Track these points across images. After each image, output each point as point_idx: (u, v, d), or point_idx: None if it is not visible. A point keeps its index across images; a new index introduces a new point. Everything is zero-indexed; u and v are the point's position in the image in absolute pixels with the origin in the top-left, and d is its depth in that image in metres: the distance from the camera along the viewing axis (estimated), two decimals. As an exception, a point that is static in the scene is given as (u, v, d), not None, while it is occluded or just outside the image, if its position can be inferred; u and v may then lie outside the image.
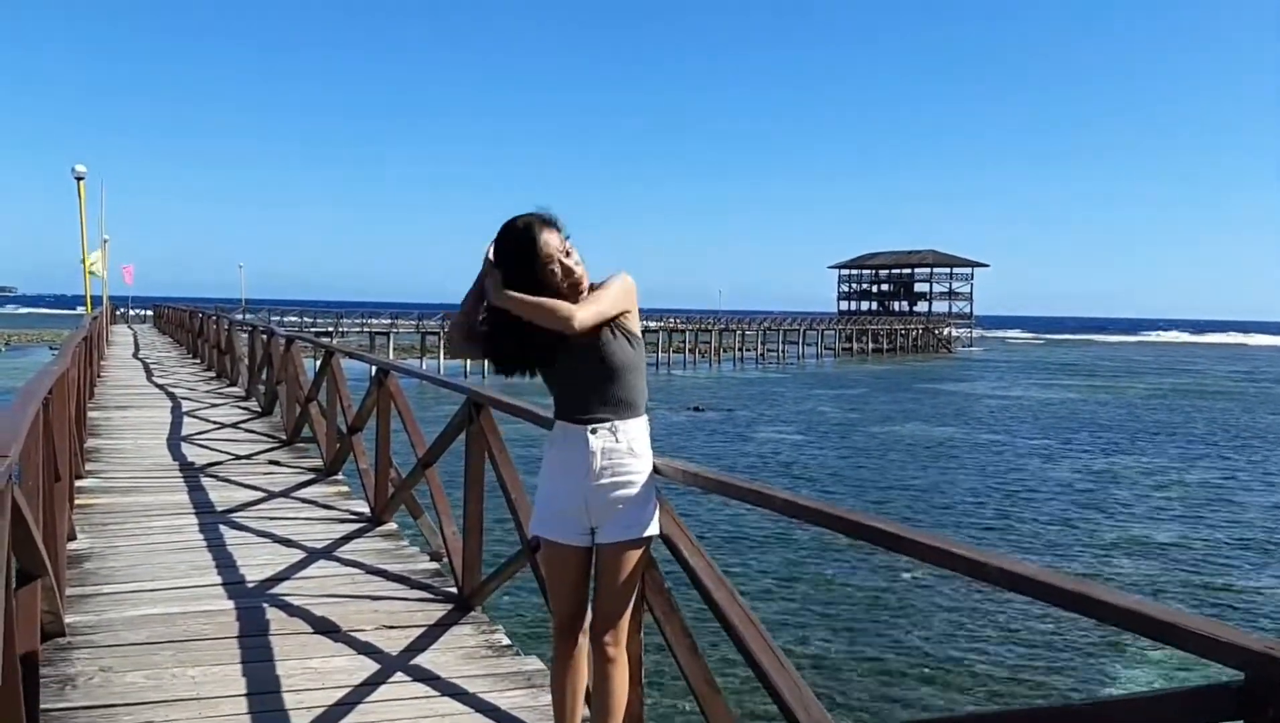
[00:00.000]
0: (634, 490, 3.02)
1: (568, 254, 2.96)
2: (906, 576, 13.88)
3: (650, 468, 3.09)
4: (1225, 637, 1.61)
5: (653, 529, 3.11)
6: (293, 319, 56.88)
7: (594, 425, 3.00)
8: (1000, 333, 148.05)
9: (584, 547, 3.10)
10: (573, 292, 2.98)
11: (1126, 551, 16.55)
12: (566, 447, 3.05)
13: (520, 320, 2.94)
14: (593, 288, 3.02)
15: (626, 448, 3.01)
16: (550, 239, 2.94)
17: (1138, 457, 27.48)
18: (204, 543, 6.52)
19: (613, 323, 3.00)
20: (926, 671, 10.69)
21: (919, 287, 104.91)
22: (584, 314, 2.88)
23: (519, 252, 2.93)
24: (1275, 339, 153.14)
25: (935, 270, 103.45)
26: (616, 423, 3.00)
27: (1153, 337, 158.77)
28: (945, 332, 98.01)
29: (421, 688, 4.19)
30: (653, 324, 66.08)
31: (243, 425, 12.21)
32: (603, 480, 3.00)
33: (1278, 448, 30.07)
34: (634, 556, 3.06)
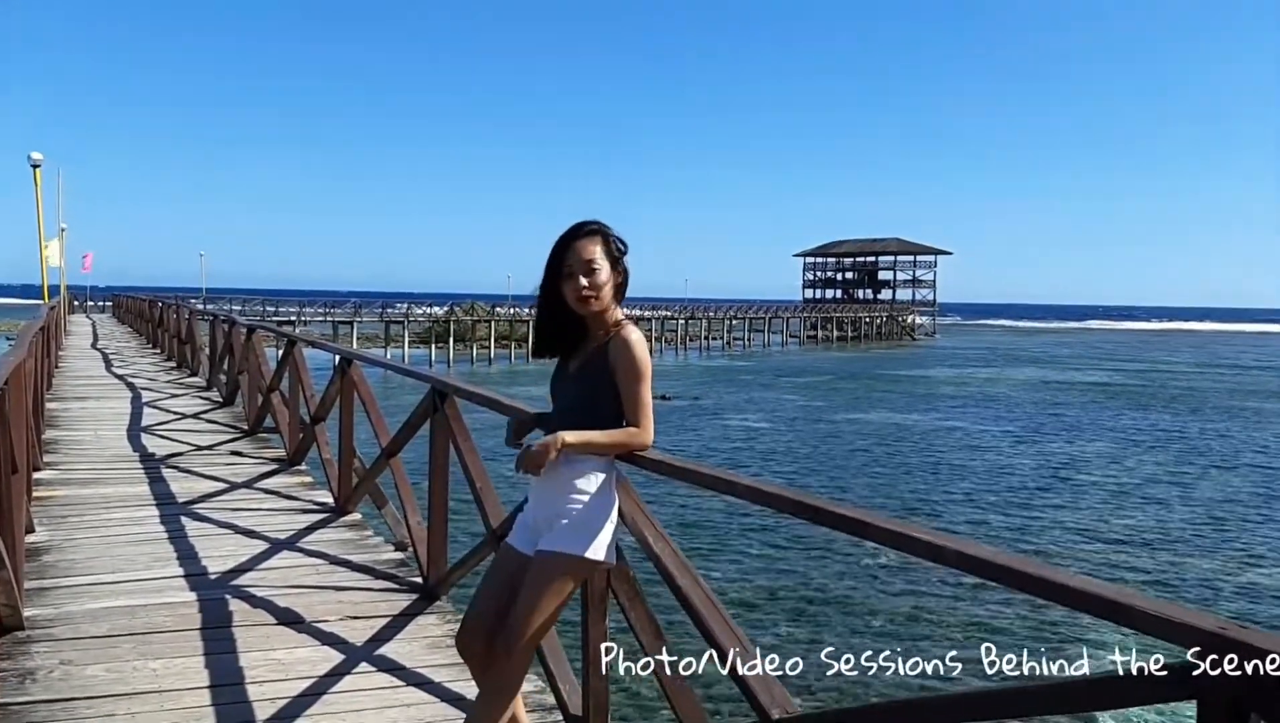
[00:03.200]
0: (576, 508, 2.96)
1: (591, 272, 2.94)
2: (868, 560, 14.01)
3: (604, 496, 3.01)
4: (1179, 617, 1.64)
5: (590, 553, 2.95)
6: (255, 308, 56.30)
7: None
8: (963, 320, 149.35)
9: (524, 554, 3.04)
10: (584, 308, 2.98)
11: (1083, 534, 16.79)
12: None
13: (561, 304, 3.00)
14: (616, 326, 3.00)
15: (577, 472, 2.97)
16: (585, 251, 2.95)
17: (1095, 442, 27.86)
18: (165, 535, 6.45)
19: (608, 371, 2.98)
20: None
21: (883, 274, 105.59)
22: (648, 434, 2.99)
23: (552, 252, 3.00)
24: (1222, 325, 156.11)
25: (899, 258, 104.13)
26: None
27: (1113, 325, 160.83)
28: (909, 319, 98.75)
29: (386, 678, 4.18)
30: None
31: (204, 416, 12.08)
32: (548, 496, 3.00)
33: (1229, 437, 30.56)
34: (557, 572, 2.93)
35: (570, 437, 2.93)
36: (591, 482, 2.99)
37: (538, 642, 3.03)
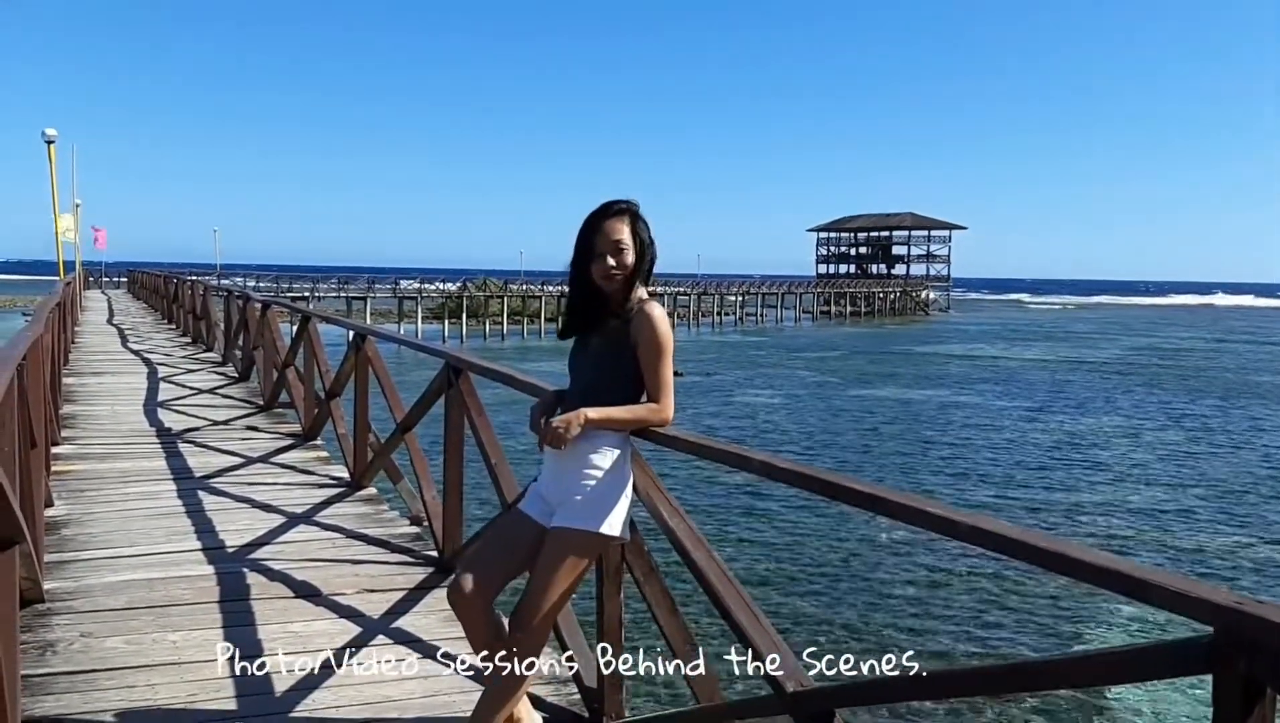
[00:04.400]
0: (592, 484, 2.98)
1: (618, 251, 2.95)
2: (883, 536, 14.02)
3: (619, 473, 3.02)
4: (1195, 592, 1.64)
5: (605, 529, 2.98)
6: (268, 284, 56.38)
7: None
8: (977, 295, 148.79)
9: (538, 523, 3.05)
10: (610, 286, 2.98)
11: (1098, 509, 16.75)
12: None
13: (589, 283, 3.00)
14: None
15: (592, 448, 2.99)
16: (613, 231, 2.95)
17: (1107, 418, 27.75)
18: (182, 509, 6.50)
19: (629, 348, 2.99)
20: (901, 628, 10.82)
21: (897, 249, 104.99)
22: (669, 410, 3.02)
23: (581, 231, 3.01)
24: (1241, 300, 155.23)
25: (913, 233, 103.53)
26: None
27: (1128, 300, 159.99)
28: (922, 294, 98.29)
29: (403, 650, 4.21)
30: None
31: (220, 391, 12.15)
32: (562, 472, 3.02)
33: (1243, 413, 30.41)
34: (572, 548, 2.96)
35: (593, 413, 2.94)
36: (607, 457, 3.00)
37: (554, 617, 3.05)
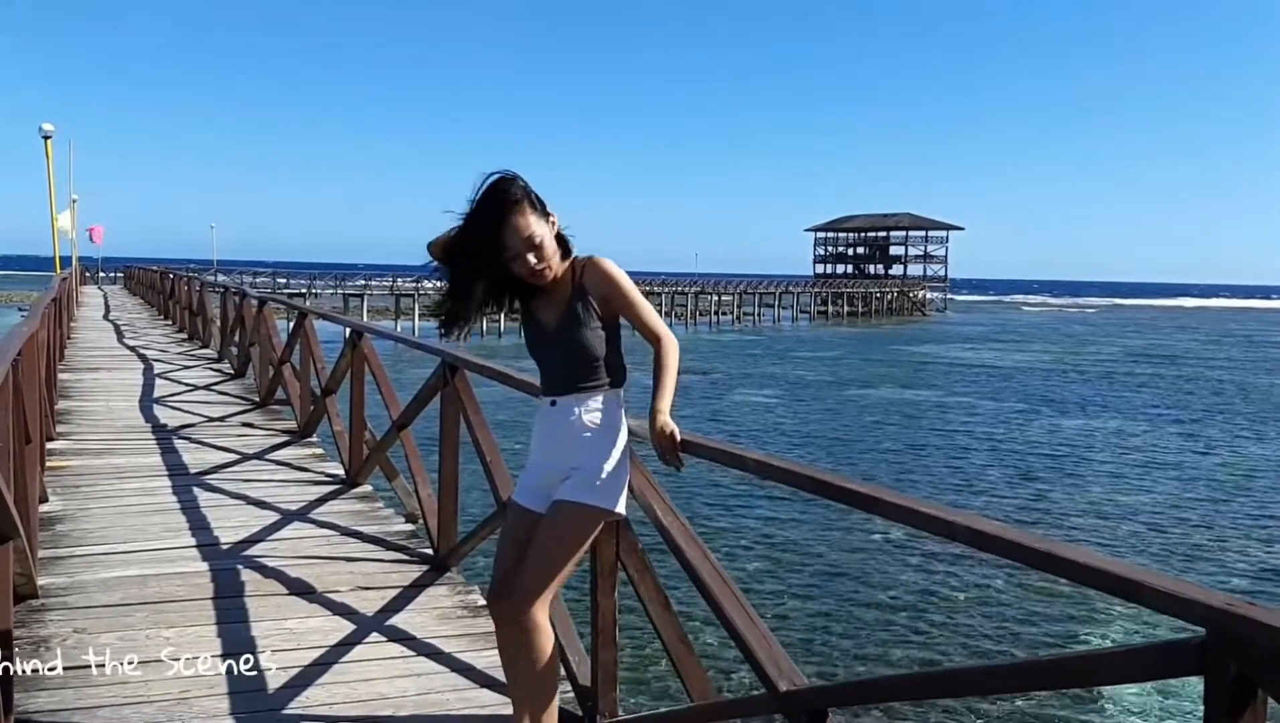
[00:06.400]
0: (590, 461, 2.96)
1: (534, 246, 2.85)
2: (877, 536, 14.03)
3: (617, 444, 3.01)
4: (1187, 593, 1.64)
5: (605, 504, 2.96)
6: (265, 280, 56.31)
7: (554, 398, 3.02)
8: (974, 296, 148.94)
9: (536, 512, 3.03)
10: (542, 281, 2.94)
11: (1091, 511, 16.78)
12: (539, 418, 3.09)
13: (508, 276, 2.93)
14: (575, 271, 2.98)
15: (589, 422, 2.97)
16: (522, 228, 2.84)
17: (1101, 420, 27.77)
18: (177, 505, 6.49)
19: (593, 310, 2.95)
20: (895, 628, 10.83)
21: (894, 250, 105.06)
22: (670, 333, 3.02)
23: (482, 230, 2.85)
24: (1237, 302, 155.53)
25: (911, 233, 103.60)
26: (579, 397, 2.98)
27: (1127, 301, 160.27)
28: (920, 295, 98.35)
29: (397, 648, 4.21)
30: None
31: (215, 388, 12.13)
32: (560, 450, 3.00)
33: (1238, 415, 30.45)
34: (573, 520, 2.94)
35: (668, 415, 2.93)
36: (604, 432, 2.99)
37: (553, 591, 2.98)
